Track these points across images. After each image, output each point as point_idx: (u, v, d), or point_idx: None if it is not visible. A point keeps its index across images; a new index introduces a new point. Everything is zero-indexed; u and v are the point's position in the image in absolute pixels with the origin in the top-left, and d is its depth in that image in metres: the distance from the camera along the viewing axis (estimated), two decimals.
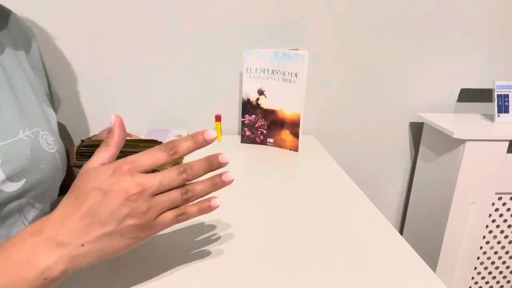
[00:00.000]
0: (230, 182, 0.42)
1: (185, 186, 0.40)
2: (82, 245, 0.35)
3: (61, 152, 0.60)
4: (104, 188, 0.36)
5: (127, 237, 0.37)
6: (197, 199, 0.41)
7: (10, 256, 0.34)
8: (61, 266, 0.35)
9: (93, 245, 0.36)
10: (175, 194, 0.39)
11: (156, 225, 0.39)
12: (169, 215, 0.39)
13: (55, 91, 0.74)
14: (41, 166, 0.54)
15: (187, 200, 0.40)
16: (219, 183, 0.41)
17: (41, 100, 0.61)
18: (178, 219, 0.40)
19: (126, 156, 0.42)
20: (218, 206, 0.42)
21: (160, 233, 0.56)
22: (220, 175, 0.41)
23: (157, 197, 0.38)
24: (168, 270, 0.48)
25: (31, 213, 0.54)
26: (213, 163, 0.41)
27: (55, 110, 0.72)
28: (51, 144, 0.57)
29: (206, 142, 0.40)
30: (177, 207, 0.40)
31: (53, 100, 0.71)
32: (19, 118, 0.53)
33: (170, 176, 0.38)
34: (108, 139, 0.41)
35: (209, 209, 0.41)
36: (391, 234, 0.58)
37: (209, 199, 0.42)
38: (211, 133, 0.41)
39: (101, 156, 0.40)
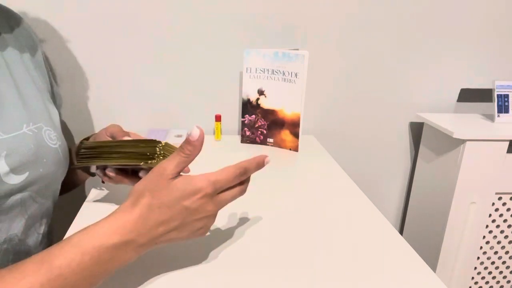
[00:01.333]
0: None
1: (244, 187, 0.46)
2: (156, 244, 0.41)
3: (63, 148, 0.60)
4: (191, 208, 0.41)
5: (190, 235, 0.43)
6: None
7: (100, 255, 0.38)
8: (135, 258, 0.41)
9: (164, 242, 0.42)
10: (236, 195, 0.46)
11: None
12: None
13: (57, 90, 0.75)
14: (44, 160, 0.54)
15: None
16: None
17: (44, 97, 0.62)
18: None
19: (124, 155, 0.48)
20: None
21: None
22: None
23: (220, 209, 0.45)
24: (167, 269, 0.48)
25: (32, 207, 0.54)
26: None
27: (57, 108, 0.73)
28: (53, 140, 0.58)
29: (265, 164, 0.48)
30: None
31: (55, 98, 0.72)
32: (23, 112, 0.54)
33: (236, 191, 0.45)
34: (188, 150, 0.42)
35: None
36: (391, 234, 0.58)
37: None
38: (267, 159, 0.48)
39: (179, 165, 0.42)
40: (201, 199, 0.41)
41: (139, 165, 0.49)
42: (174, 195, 0.40)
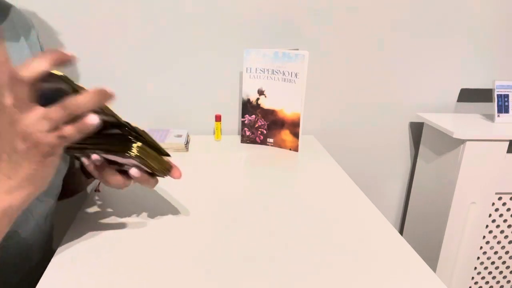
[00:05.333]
0: (113, 94, 0.43)
1: (64, 102, 0.39)
2: (10, 178, 0.40)
3: None
4: None
5: (33, 160, 0.40)
6: (80, 112, 0.40)
7: None
8: (3, 198, 0.40)
9: (16, 176, 0.40)
10: (53, 109, 0.39)
11: (44, 143, 0.40)
12: (50, 134, 0.39)
13: None
14: None
15: (69, 116, 0.39)
16: (103, 93, 0.42)
17: None
18: (60, 138, 0.40)
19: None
20: (95, 123, 0.41)
21: (161, 229, 0.56)
22: (102, 88, 0.42)
23: (31, 114, 0.39)
24: (167, 268, 0.48)
25: (39, 207, 0.54)
26: (104, 96, 0.42)
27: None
28: None
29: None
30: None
31: None
32: None
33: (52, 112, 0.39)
34: None
35: (86, 126, 0.41)
36: (391, 234, 0.58)
37: (85, 117, 0.41)
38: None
39: None
40: None
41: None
42: None
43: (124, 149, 0.46)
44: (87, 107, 0.40)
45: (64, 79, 0.40)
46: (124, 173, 0.52)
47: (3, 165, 0.40)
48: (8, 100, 0.38)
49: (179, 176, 0.53)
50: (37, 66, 0.38)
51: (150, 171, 0.51)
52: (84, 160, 0.52)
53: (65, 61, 0.40)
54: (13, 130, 0.39)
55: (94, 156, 0.50)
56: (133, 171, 0.50)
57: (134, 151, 0.47)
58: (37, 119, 0.39)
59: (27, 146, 0.39)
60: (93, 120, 0.41)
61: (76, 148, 0.48)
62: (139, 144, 0.47)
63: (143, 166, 0.50)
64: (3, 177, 0.40)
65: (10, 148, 0.40)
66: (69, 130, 0.40)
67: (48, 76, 0.39)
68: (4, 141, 0.40)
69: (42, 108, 0.39)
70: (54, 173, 0.43)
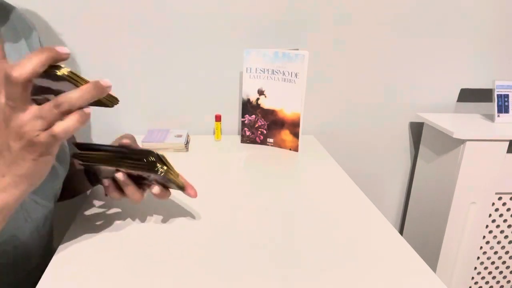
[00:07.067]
0: (110, 86, 0.44)
1: (57, 99, 0.39)
2: (4, 176, 0.40)
3: (62, 147, 0.59)
4: None
5: (27, 158, 0.40)
6: (75, 109, 0.40)
7: None
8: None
9: (10, 173, 0.40)
10: (47, 108, 0.39)
11: (38, 143, 0.39)
12: (44, 133, 0.39)
13: None
14: None
15: (63, 113, 0.39)
16: (99, 87, 0.42)
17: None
18: (54, 136, 0.40)
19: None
20: (89, 113, 0.42)
21: (160, 229, 0.56)
22: (98, 80, 0.43)
23: (24, 114, 0.39)
24: (166, 267, 0.48)
25: (36, 211, 0.54)
26: (100, 90, 0.43)
27: None
28: None
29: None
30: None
31: None
32: None
33: (44, 109, 0.39)
34: None
35: (83, 116, 0.41)
36: (391, 234, 0.58)
37: (81, 109, 0.41)
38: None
39: None
40: None
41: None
42: None
43: (151, 168, 0.50)
44: (82, 103, 0.40)
45: (64, 77, 0.40)
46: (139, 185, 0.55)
47: None
48: (1, 99, 0.38)
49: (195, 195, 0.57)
50: (30, 65, 0.37)
51: (167, 185, 0.55)
52: (105, 181, 0.54)
53: (59, 59, 0.39)
54: (7, 129, 0.39)
55: (119, 175, 0.52)
56: (155, 190, 0.53)
57: (160, 169, 0.50)
58: (30, 119, 0.38)
59: (22, 145, 0.39)
60: (89, 109, 0.42)
61: (99, 162, 0.52)
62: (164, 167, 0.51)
63: (162, 181, 0.53)
64: None
65: (3, 146, 0.40)
66: (62, 126, 0.40)
67: (47, 71, 0.39)
68: None
69: (36, 107, 0.39)
70: (49, 170, 0.43)
